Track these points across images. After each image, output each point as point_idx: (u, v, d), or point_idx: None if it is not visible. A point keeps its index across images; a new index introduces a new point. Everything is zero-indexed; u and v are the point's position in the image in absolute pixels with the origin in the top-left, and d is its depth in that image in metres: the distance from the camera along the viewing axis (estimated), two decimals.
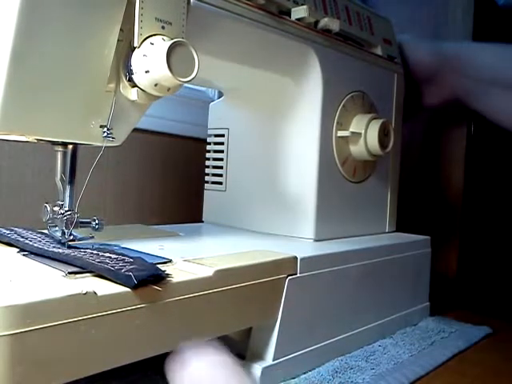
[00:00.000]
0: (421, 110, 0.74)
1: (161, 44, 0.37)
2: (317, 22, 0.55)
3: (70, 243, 0.40)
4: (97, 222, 0.42)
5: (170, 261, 0.38)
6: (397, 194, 0.68)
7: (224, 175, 0.65)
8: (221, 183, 0.65)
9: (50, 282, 0.31)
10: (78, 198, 0.41)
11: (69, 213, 0.40)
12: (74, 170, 0.41)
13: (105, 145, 0.39)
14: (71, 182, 0.41)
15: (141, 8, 0.37)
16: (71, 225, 0.40)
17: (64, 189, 0.41)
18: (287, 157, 0.58)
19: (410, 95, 0.71)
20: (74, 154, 0.41)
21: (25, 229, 0.45)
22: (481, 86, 0.66)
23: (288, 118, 0.58)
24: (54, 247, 0.39)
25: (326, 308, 0.48)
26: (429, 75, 0.70)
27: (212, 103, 0.68)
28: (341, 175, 0.59)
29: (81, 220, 0.41)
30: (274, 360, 0.42)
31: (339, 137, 0.57)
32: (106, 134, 0.39)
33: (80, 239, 0.41)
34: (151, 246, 0.44)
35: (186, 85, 0.39)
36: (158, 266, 0.35)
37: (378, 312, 0.56)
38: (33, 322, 0.27)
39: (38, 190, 0.60)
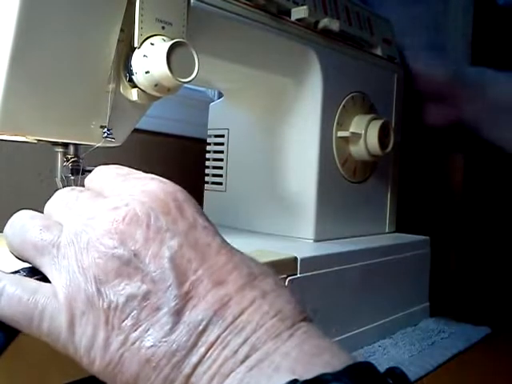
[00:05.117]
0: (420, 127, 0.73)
1: (161, 44, 0.37)
2: (317, 23, 0.55)
3: None
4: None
5: None
6: (397, 194, 0.68)
7: (224, 175, 0.65)
8: (221, 183, 0.65)
9: None
10: None
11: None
12: (76, 170, 0.41)
13: (105, 145, 0.39)
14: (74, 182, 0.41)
15: (141, 8, 0.37)
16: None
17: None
18: (287, 157, 0.58)
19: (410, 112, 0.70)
20: (75, 154, 0.41)
21: None
22: (496, 113, 0.65)
23: (288, 119, 0.58)
24: None
25: (325, 308, 0.48)
26: (441, 94, 0.69)
27: (212, 103, 0.68)
28: (341, 175, 0.59)
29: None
30: None
31: (339, 137, 0.57)
32: (106, 134, 0.39)
33: None
34: None
35: (185, 85, 0.39)
36: None
37: (378, 312, 0.56)
38: None
39: (38, 191, 0.60)
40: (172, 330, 0.22)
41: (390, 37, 0.68)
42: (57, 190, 0.41)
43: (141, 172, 0.29)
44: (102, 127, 0.39)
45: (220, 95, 0.69)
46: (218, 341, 0.22)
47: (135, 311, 0.23)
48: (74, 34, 0.36)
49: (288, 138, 0.58)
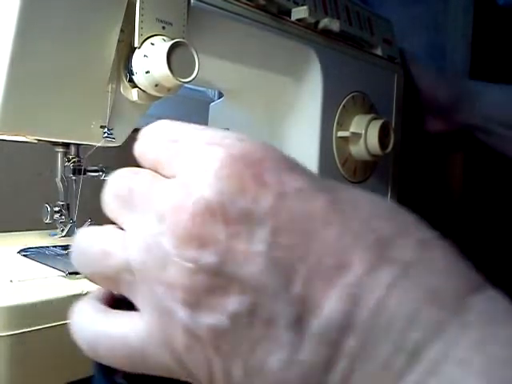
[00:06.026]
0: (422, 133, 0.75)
1: (161, 44, 0.37)
2: (317, 23, 0.55)
3: None
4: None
5: None
6: (397, 194, 0.68)
7: None
8: None
9: (50, 283, 0.31)
10: (77, 199, 0.41)
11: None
12: (78, 170, 0.41)
13: (105, 145, 0.39)
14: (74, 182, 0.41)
15: (141, 8, 0.37)
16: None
17: (65, 189, 0.41)
18: None
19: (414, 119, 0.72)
20: (77, 154, 0.41)
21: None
22: (489, 124, 0.67)
23: (288, 119, 0.58)
24: None
25: None
26: (439, 109, 0.71)
27: (212, 103, 0.68)
28: (341, 175, 0.59)
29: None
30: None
31: (339, 137, 0.57)
32: (106, 134, 0.39)
33: None
34: None
35: (186, 85, 0.39)
36: None
37: None
38: (33, 322, 0.27)
39: (38, 191, 0.60)
40: (297, 347, 0.17)
41: (390, 37, 0.68)
42: (57, 190, 0.41)
43: (195, 128, 0.22)
44: (102, 127, 0.39)
45: (220, 95, 0.68)
46: (361, 350, 0.17)
47: (246, 331, 0.18)
48: (74, 34, 0.36)
49: (288, 138, 0.58)
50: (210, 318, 0.18)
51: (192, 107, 0.80)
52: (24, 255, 0.38)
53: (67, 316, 0.28)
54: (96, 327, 0.21)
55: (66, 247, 0.40)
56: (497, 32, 0.83)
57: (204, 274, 0.18)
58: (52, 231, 0.43)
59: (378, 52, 0.65)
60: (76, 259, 0.22)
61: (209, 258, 0.18)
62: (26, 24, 0.33)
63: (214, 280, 0.18)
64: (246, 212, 0.18)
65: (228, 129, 0.67)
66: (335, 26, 0.55)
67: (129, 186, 0.22)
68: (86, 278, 0.23)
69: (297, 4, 0.52)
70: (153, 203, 0.20)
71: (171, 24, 0.39)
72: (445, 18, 0.82)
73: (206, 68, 0.40)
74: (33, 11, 0.33)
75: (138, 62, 0.38)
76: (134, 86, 0.39)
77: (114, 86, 0.39)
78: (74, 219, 0.41)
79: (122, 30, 0.38)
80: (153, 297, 0.19)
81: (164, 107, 0.74)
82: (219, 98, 0.68)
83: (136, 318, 0.20)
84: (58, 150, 0.41)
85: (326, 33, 0.56)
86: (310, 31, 0.54)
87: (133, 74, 0.38)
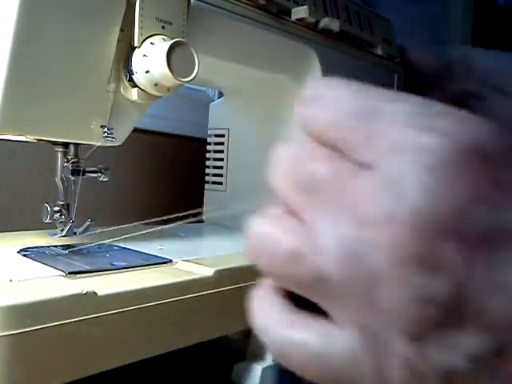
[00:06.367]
0: None
1: (161, 44, 0.37)
2: (317, 22, 0.55)
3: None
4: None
5: (170, 261, 0.38)
6: None
7: (224, 175, 0.65)
8: (221, 183, 0.65)
9: (50, 282, 0.31)
10: (75, 199, 0.41)
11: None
12: (77, 171, 0.41)
13: (105, 145, 0.39)
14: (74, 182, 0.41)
15: (141, 8, 0.37)
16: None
17: (64, 189, 0.41)
18: None
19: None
20: (76, 154, 0.41)
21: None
22: (483, 90, 0.67)
23: (288, 118, 0.58)
24: None
25: None
26: (434, 79, 0.71)
27: (212, 103, 0.68)
28: None
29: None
30: (274, 360, 0.42)
31: None
32: (106, 133, 0.39)
33: (82, 232, 0.41)
34: (151, 246, 0.44)
35: (186, 85, 0.39)
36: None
37: None
38: (33, 322, 0.27)
39: (39, 190, 0.60)
40: None
41: (390, 36, 0.68)
42: (56, 190, 0.41)
43: (387, 97, 0.17)
44: (103, 127, 0.39)
45: (220, 95, 0.68)
46: None
47: (487, 374, 0.15)
48: (73, 34, 0.36)
49: (288, 138, 0.57)
50: (440, 356, 0.15)
51: (192, 107, 0.80)
52: (24, 255, 0.38)
53: (67, 316, 0.28)
54: (287, 333, 0.18)
55: (65, 247, 0.40)
56: (497, 32, 0.83)
57: (435, 306, 0.14)
58: (51, 231, 0.43)
59: (378, 52, 0.65)
60: (254, 258, 0.19)
61: (441, 286, 0.14)
62: (26, 23, 0.33)
63: (448, 313, 0.14)
64: (488, 228, 0.14)
65: (228, 129, 0.67)
66: (335, 25, 0.55)
67: (309, 168, 0.18)
68: (261, 274, 0.19)
69: (297, 4, 0.52)
70: (348, 199, 0.16)
71: (171, 23, 0.39)
72: (445, 18, 0.82)
73: (206, 68, 0.40)
74: (32, 11, 0.33)
75: (137, 61, 0.38)
76: (134, 85, 0.39)
77: (113, 85, 0.39)
78: (74, 219, 0.41)
79: (121, 30, 0.38)
80: (357, 316, 0.16)
81: (164, 107, 0.74)
82: (219, 98, 0.68)
83: (336, 333, 0.17)
84: (57, 149, 0.41)
85: (326, 32, 0.56)
86: (309, 31, 0.54)
87: (133, 74, 0.38)
